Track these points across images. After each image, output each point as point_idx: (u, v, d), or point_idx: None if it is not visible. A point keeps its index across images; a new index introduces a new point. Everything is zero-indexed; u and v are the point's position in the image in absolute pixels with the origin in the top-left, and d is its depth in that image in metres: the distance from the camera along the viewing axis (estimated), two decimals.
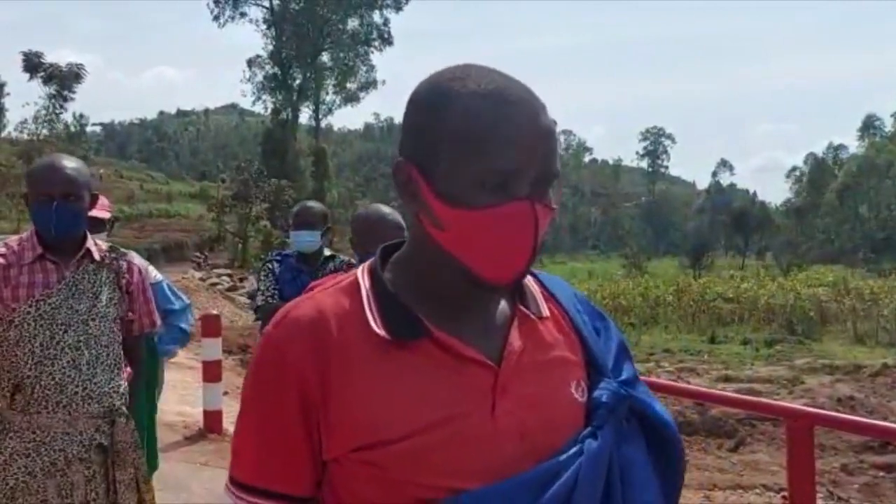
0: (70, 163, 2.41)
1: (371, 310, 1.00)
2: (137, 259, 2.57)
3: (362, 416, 0.96)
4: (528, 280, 1.09)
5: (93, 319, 2.36)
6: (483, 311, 1.04)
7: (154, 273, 3.35)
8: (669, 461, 1.09)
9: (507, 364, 1.00)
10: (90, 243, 2.45)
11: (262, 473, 1.01)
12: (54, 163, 2.41)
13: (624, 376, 1.09)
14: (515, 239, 0.96)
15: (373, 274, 1.05)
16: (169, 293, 3.49)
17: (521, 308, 1.06)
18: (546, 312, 1.08)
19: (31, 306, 2.31)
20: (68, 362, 2.31)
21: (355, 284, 1.04)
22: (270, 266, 3.93)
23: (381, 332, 0.98)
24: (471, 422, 0.96)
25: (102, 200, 3.14)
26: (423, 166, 0.98)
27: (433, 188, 0.97)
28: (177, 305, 3.49)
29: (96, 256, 2.42)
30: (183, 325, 3.49)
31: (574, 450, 0.99)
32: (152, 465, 3.15)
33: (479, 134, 0.94)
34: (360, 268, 1.07)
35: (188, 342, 3.52)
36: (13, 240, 2.45)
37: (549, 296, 1.11)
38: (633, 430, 1.06)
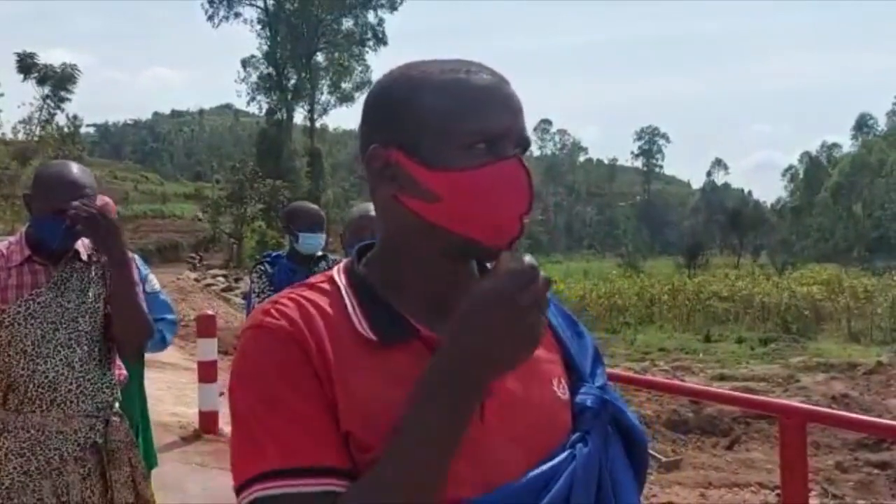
0: (85, 178, 2.36)
1: (355, 311, 0.96)
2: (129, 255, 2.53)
3: (359, 411, 0.92)
4: None
5: (82, 316, 2.35)
6: None
7: (154, 282, 3.31)
8: (640, 464, 1.08)
9: None
10: (78, 243, 2.42)
11: (299, 452, 0.89)
12: (71, 178, 2.33)
13: (599, 382, 1.07)
14: (511, 196, 0.94)
15: (349, 273, 1.01)
16: (167, 304, 3.39)
17: None
18: None
19: (20, 306, 2.30)
20: (61, 360, 2.31)
21: (333, 284, 0.99)
22: (263, 268, 3.90)
23: (368, 334, 0.94)
24: None
25: (109, 206, 3.11)
26: (405, 144, 0.95)
27: (421, 161, 0.95)
28: (170, 317, 3.38)
29: (83, 256, 2.42)
30: (167, 334, 3.35)
31: (565, 454, 0.97)
32: (150, 465, 3.14)
33: (462, 99, 0.95)
34: (335, 268, 1.03)
35: (162, 349, 3.44)
36: (2, 244, 2.43)
37: None
38: (614, 435, 1.05)
